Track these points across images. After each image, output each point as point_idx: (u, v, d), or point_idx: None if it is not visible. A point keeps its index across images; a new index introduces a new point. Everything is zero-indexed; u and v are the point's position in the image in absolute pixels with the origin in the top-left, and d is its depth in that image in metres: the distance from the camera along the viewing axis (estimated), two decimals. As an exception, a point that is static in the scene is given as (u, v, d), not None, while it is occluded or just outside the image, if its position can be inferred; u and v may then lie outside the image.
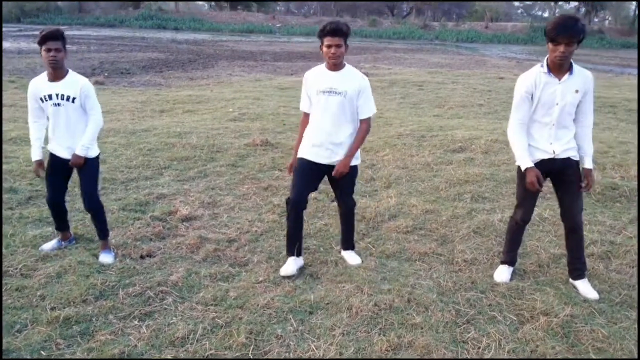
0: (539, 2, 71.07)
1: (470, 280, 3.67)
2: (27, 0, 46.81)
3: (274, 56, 23.24)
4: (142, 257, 3.92)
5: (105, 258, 3.83)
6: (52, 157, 3.82)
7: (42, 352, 2.78)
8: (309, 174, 3.70)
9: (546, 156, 3.38)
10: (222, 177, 5.92)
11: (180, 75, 15.73)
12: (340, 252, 4.06)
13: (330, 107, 3.57)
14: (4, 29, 33.41)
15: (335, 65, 3.56)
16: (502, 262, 3.78)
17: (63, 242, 4.05)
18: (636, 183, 5.69)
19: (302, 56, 23.66)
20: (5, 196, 4.93)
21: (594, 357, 2.86)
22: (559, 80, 3.24)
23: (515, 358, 2.84)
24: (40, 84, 3.67)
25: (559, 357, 2.84)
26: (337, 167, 3.64)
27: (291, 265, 3.72)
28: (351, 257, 3.95)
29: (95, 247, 4.01)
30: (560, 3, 58.69)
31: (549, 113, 3.30)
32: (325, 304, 3.30)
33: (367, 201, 5.17)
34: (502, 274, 3.70)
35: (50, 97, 3.63)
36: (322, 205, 5.08)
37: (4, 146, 6.60)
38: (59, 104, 3.63)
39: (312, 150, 3.67)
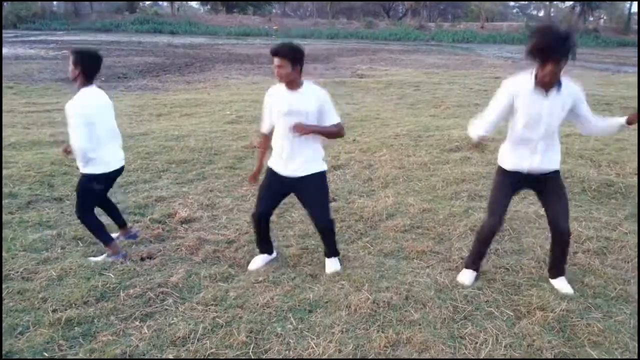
0: (534, 1, 71.23)
1: (468, 277, 3.70)
2: (26, 0, 46.77)
3: (271, 59, 23.19)
4: (142, 259, 3.95)
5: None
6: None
7: (44, 353, 2.81)
8: (274, 188, 3.65)
9: (524, 170, 3.36)
10: (220, 179, 5.95)
11: (177, 79, 15.76)
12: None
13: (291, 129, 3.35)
14: (0, 35, 33.34)
15: (290, 85, 3.38)
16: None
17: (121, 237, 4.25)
18: (632, 180, 5.74)
19: (299, 58, 23.68)
20: (5, 201, 4.96)
21: (589, 350, 2.90)
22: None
23: (512, 355, 2.88)
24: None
25: (555, 351, 2.88)
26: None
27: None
28: (331, 264, 3.80)
29: (97, 250, 4.04)
30: (555, 2, 58.87)
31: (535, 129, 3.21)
32: (325, 302, 3.34)
33: (364, 201, 5.21)
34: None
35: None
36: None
37: (3, 152, 6.63)
38: None
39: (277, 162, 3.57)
